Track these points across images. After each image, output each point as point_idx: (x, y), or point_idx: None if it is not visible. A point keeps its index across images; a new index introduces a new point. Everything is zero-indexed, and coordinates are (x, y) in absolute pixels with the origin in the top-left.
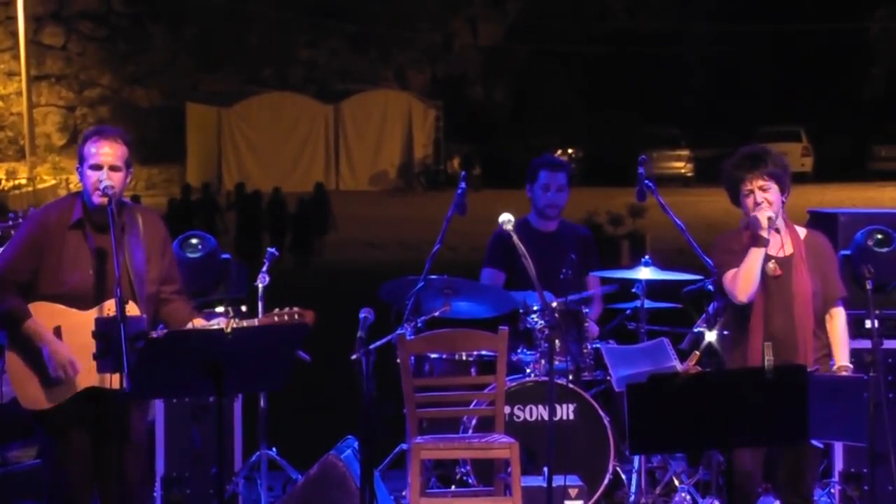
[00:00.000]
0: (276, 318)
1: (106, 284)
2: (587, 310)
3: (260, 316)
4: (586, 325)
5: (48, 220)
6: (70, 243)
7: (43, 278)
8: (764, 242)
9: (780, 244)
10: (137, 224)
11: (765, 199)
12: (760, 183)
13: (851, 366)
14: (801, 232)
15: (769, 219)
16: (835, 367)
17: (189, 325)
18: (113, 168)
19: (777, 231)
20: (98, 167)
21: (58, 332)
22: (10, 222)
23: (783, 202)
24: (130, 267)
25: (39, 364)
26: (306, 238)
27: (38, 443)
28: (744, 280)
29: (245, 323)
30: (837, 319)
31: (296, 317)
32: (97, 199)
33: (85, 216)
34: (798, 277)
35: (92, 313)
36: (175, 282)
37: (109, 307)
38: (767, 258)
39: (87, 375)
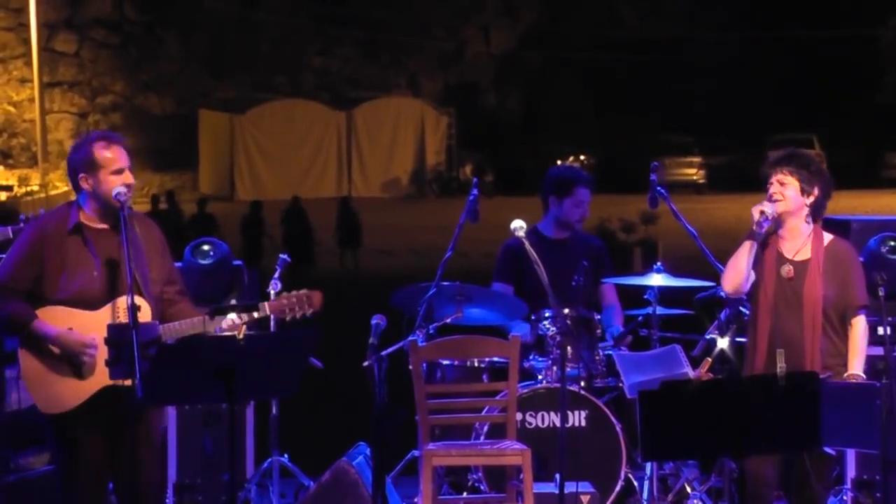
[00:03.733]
0: (285, 301)
1: (111, 284)
2: (598, 316)
3: (271, 300)
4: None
5: (46, 226)
6: (70, 248)
7: (48, 284)
8: (753, 236)
9: (798, 247)
10: (134, 228)
11: (780, 192)
12: (779, 177)
13: (863, 375)
14: (826, 238)
15: (761, 213)
16: (845, 375)
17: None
18: (129, 169)
19: (774, 228)
20: (121, 171)
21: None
22: (22, 224)
23: (808, 204)
24: (136, 268)
25: (54, 365)
26: (306, 246)
27: (50, 449)
28: (729, 270)
29: (256, 314)
30: (856, 328)
31: (304, 299)
32: (124, 199)
33: (82, 221)
34: (811, 282)
35: (101, 313)
36: (177, 282)
37: (121, 306)
38: (783, 260)
39: (102, 376)
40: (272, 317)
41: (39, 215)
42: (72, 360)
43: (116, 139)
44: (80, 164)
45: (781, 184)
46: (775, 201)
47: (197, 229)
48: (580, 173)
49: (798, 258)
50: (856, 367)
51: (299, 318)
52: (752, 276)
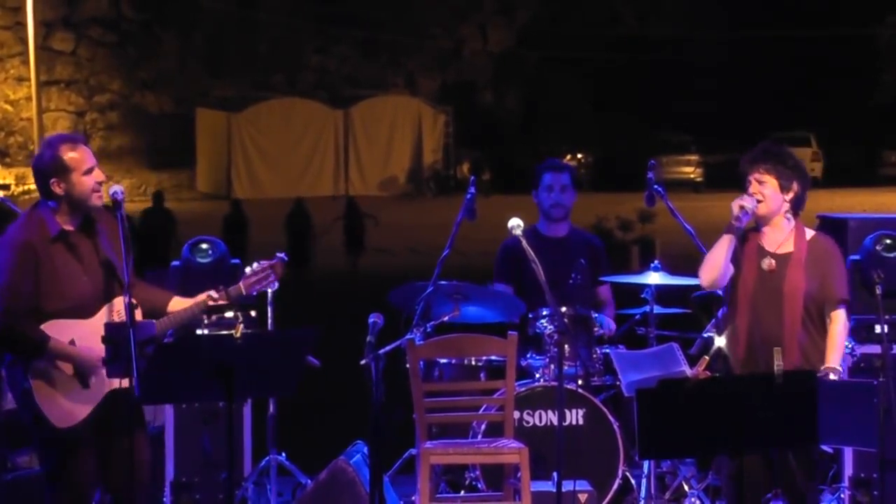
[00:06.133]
0: (253, 278)
1: (100, 287)
2: (596, 315)
3: (242, 279)
4: (599, 328)
5: (28, 238)
6: (58, 256)
7: (44, 297)
8: (732, 230)
9: (780, 241)
10: (105, 225)
11: (759, 191)
12: (757, 175)
13: (840, 368)
14: (809, 233)
15: (741, 207)
16: (822, 368)
17: (172, 304)
18: (97, 166)
19: (754, 226)
20: (91, 170)
21: (72, 345)
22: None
23: (788, 200)
24: (113, 262)
25: (62, 380)
26: (301, 246)
27: (40, 456)
28: (706, 263)
29: (230, 296)
30: (834, 322)
31: (269, 270)
32: (98, 200)
33: (62, 227)
34: (791, 276)
35: (97, 319)
36: (131, 272)
37: (116, 308)
38: (764, 253)
39: (105, 381)
40: (270, 315)
41: (8, 230)
42: (81, 374)
43: (80, 139)
44: (50, 169)
45: (760, 182)
46: (757, 201)
47: (151, 227)
48: (549, 162)
49: (780, 251)
50: (833, 361)
51: (267, 288)
52: (731, 271)
